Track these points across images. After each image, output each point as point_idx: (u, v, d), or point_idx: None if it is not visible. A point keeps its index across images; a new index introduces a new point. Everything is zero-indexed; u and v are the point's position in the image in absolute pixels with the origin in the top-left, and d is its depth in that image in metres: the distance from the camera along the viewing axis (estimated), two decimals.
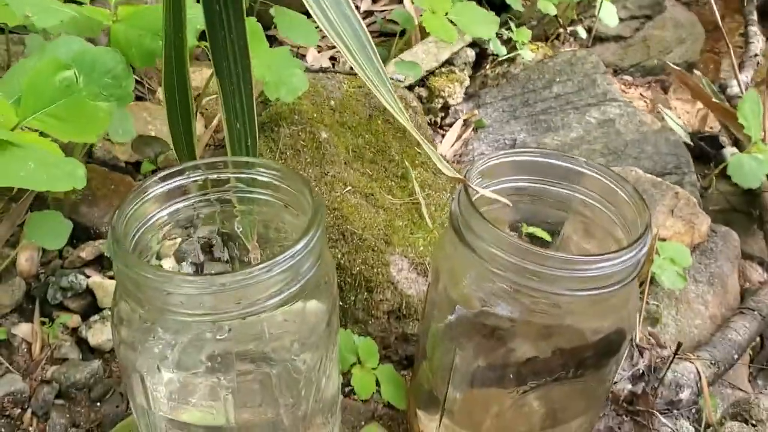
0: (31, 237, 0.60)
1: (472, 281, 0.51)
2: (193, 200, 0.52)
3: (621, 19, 1.48)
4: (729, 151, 1.09)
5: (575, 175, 0.55)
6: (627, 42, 1.54)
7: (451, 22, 0.93)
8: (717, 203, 1.07)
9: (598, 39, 1.47)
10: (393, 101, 0.52)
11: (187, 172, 0.50)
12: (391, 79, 0.89)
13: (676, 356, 0.69)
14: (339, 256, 0.68)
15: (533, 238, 0.61)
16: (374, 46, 0.52)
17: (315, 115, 0.80)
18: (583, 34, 1.47)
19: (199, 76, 1.06)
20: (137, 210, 0.48)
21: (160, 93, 1.04)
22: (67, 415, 0.63)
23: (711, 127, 1.29)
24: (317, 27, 0.88)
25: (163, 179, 0.49)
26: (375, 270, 0.67)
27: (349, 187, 0.74)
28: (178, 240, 0.55)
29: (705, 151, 1.12)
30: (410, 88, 1.03)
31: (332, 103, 0.83)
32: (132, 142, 0.76)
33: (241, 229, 0.56)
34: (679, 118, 1.32)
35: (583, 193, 0.55)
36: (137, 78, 1.07)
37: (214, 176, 0.51)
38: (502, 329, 0.52)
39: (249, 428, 0.49)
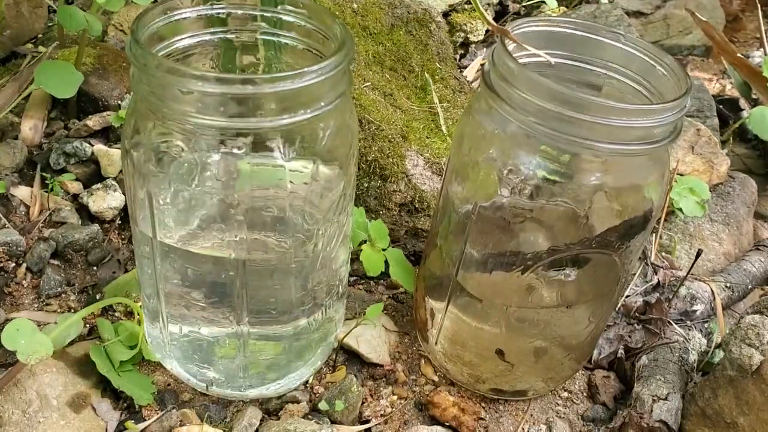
0: (40, 83, 0.58)
1: (503, 144, 0.49)
2: (214, 35, 0.49)
3: None
4: (748, 112, 1.08)
5: (611, 50, 0.53)
6: (647, 18, 1.53)
7: None
8: (732, 164, 1.05)
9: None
10: None
11: (210, 2, 0.48)
12: None
13: (690, 275, 0.68)
14: None
15: None
16: None
17: (336, 13, 0.77)
18: (605, 0, 1.46)
19: None
20: (159, 29, 0.46)
21: None
22: (62, 274, 0.60)
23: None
24: None
25: (178, 6, 0.47)
26: (390, 160, 0.65)
27: (369, 84, 0.72)
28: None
29: (723, 114, 1.11)
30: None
31: (354, 6, 0.80)
32: None
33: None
34: None
35: (619, 72, 0.53)
36: None
37: (238, 12, 0.49)
38: (522, 212, 0.50)
39: (256, 270, 0.47)
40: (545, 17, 0.52)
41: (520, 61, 0.52)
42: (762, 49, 1.19)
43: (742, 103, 1.12)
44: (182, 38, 0.48)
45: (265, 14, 0.50)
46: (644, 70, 0.52)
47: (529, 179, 0.49)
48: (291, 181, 0.45)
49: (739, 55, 1.04)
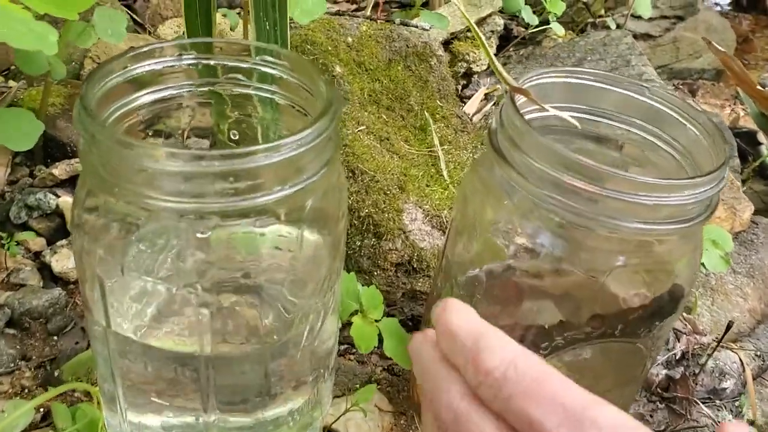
0: None
1: (510, 214, 0.43)
2: (184, 90, 0.43)
3: (651, 18, 1.41)
4: (766, 147, 1.02)
5: (635, 104, 0.47)
6: (656, 41, 1.47)
7: None
8: (751, 202, 0.99)
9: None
10: None
11: (178, 52, 0.42)
12: (415, 27, 0.81)
13: (718, 344, 0.61)
14: (347, 194, 0.59)
15: None
16: None
17: (330, 48, 0.72)
18: (612, 25, 1.40)
19: None
20: (113, 85, 0.40)
21: (161, 29, 0.96)
22: (17, 346, 0.54)
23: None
24: None
25: (141, 57, 0.41)
26: (386, 215, 0.59)
27: (363, 127, 0.66)
28: (161, 142, 0.47)
29: (741, 149, 1.05)
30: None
31: (349, 40, 0.74)
32: None
33: (236, 137, 0.47)
34: None
35: (644, 129, 0.47)
36: (138, 20, 0.99)
37: (210, 62, 0.43)
38: (535, 278, 0.44)
39: (226, 364, 0.40)
40: (562, 68, 0.46)
41: (532, 115, 0.47)
42: None
43: (760, 136, 1.06)
44: (145, 93, 0.42)
45: (242, 65, 0.43)
46: (673, 128, 0.46)
47: (539, 254, 0.43)
48: (271, 251, 0.39)
49: (758, 87, 0.98)
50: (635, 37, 1.42)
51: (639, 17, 1.37)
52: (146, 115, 0.43)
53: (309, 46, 0.70)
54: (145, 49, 0.41)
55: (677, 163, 0.46)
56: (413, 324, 0.61)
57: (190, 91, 0.44)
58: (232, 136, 0.47)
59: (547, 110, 0.44)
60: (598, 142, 0.49)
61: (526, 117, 0.44)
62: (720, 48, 1.04)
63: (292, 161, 0.35)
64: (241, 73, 0.43)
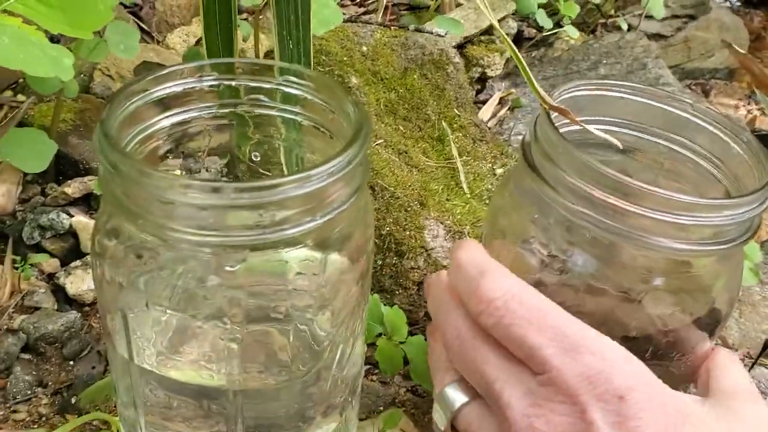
0: (8, 155, 0.50)
1: (543, 230, 0.41)
2: (204, 111, 0.42)
3: (662, 18, 1.40)
4: None
5: (676, 120, 0.45)
6: (667, 41, 1.45)
7: None
8: None
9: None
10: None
11: (198, 74, 0.41)
12: (430, 33, 0.80)
13: (754, 363, 0.60)
14: None
15: None
16: None
17: (345, 58, 0.70)
18: (624, 26, 1.39)
19: None
20: (135, 111, 0.38)
21: (169, 38, 0.94)
22: (33, 373, 0.53)
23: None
24: None
25: (162, 79, 0.39)
26: (407, 233, 0.58)
27: (381, 141, 0.65)
28: (179, 163, 0.45)
29: None
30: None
31: (364, 49, 0.73)
32: (134, 69, 0.66)
33: (258, 159, 0.46)
34: None
35: (685, 146, 0.45)
36: (145, 28, 0.98)
37: (232, 83, 0.42)
38: (566, 296, 0.43)
39: (253, 396, 0.39)
40: (596, 81, 0.45)
41: (566, 129, 0.45)
42: None
43: None
44: (166, 116, 0.40)
45: (264, 86, 0.42)
46: (715, 146, 0.44)
47: (571, 271, 0.41)
48: (298, 278, 0.37)
49: None
50: (648, 37, 1.41)
51: (650, 17, 1.35)
52: (166, 138, 0.42)
53: (324, 57, 0.68)
54: (165, 71, 0.39)
55: (717, 181, 0.44)
56: None
57: (211, 112, 0.42)
58: (253, 158, 0.46)
59: (587, 129, 0.42)
60: (636, 157, 0.47)
61: (560, 129, 0.42)
62: (740, 50, 1.02)
63: (323, 191, 0.34)
64: (264, 93, 0.42)
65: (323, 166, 0.33)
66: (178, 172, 0.45)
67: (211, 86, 0.41)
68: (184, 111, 0.41)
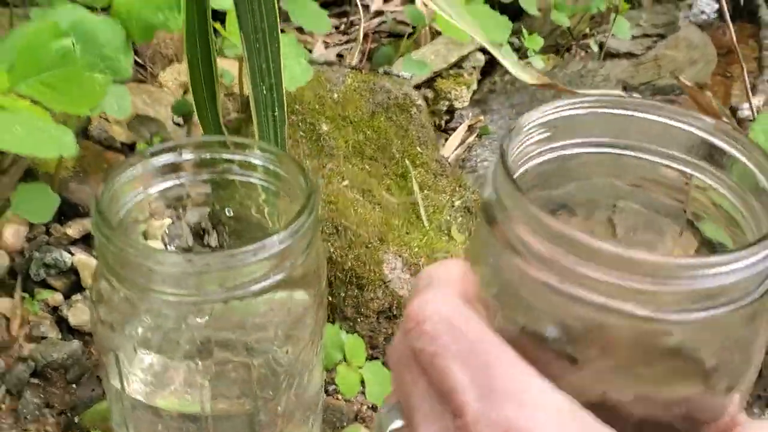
0: (17, 209, 0.59)
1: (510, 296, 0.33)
2: (184, 179, 0.50)
3: (633, 37, 1.47)
4: None
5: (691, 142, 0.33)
6: (638, 60, 1.53)
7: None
8: None
9: (609, 55, 1.46)
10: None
11: (179, 149, 0.49)
12: (397, 76, 0.88)
13: None
14: (331, 250, 0.66)
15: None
16: None
17: (317, 106, 0.78)
18: (594, 47, 1.46)
19: None
20: (125, 185, 0.46)
21: (162, 76, 1.02)
22: (41, 395, 0.61)
23: None
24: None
25: (154, 154, 0.48)
26: (367, 267, 0.66)
27: (347, 182, 0.73)
28: (167, 221, 0.53)
29: None
30: (417, 87, 1.02)
31: (335, 96, 0.81)
32: (129, 121, 0.74)
33: (231, 214, 0.54)
34: None
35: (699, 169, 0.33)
36: (139, 61, 1.05)
37: (207, 156, 0.50)
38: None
39: (224, 419, 0.47)
40: (592, 95, 0.34)
41: (566, 151, 0.32)
42: (748, 103, 1.19)
43: None
44: (151, 186, 0.49)
45: (236, 157, 0.50)
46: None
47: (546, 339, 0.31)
48: (262, 314, 0.45)
49: (724, 119, 1.04)
50: (618, 55, 1.49)
51: (614, 35, 1.42)
52: (152, 200, 0.50)
53: (297, 106, 0.76)
54: (150, 150, 0.47)
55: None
56: None
57: (190, 180, 0.50)
58: (227, 213, 0.54)
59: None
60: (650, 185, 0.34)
61: (562, 152, 0.33)
62: (686, 82, 1.10)
63: (280, 254, 0.42)
64: (235, 164, 0.50)
65: (278, 235, 0.41)
66: (165, 222, 0.54)
67: (189, 159, 0.49)
68: (167, 181, 0.49)
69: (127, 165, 0.46)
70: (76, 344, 0.63)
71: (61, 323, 0.65)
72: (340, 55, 1.21)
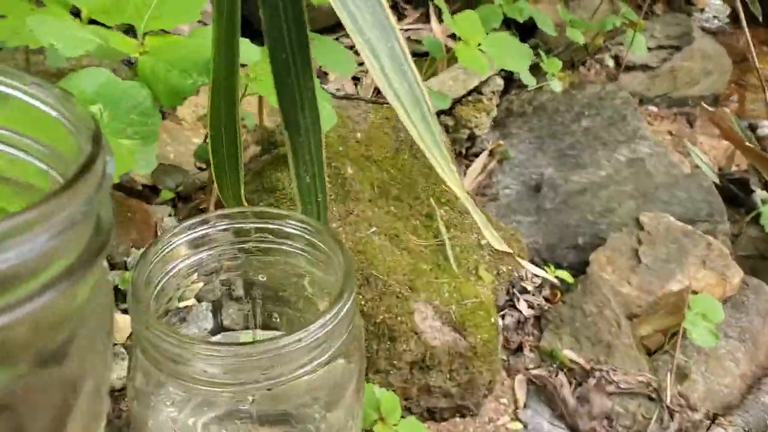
0: None
1: None
2: (218, 250, 0.49)
3: (649, 49, 1.46)
4: (759, 195, 1.06)
5: None
6: (654, 72, 1.52)
7: (483, 52, 0.90)
8: (746, 249, 1.04)
9: (625, 68, 1.45)
10: (446, 165, 0.50)
11: (212, 221, 0.48)
12: None
13: (707, 416, 0.67)
14: (362, 302, 0.65)
15: None
16: (431, 109, 0.50)
17: (341, 148, 0.77)
18: (610, 62, 1.45)
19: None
20: (159, 261, 0.46)
21: (179, 110, 1.01)
22: None
23: (738, 165, 1.26)
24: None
25: (189, 228, 0.47)
26: (399, 318, 0.65)
27: (374, 228, 0.72)
28: (201, 284, 0.53)
29: (734, 194, 1.09)
30: (437, 114, 1.00)
31: (358, 135, 0.80)
32: (152, 174, 0.74)
33: (264, 279, 0.53)
34: (706, 154, 1.30)
35: None
36: None
37: (240, 226, 0.49)
38: None
39: None
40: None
41: None
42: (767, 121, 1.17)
43: (753, 183, 1.11)
44: (187, 257, 0.48)
45: (269, 227, 0.49)
46: None
47: None
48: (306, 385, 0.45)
49: (747, 143, 1.03)
50: (634, 68, 1.48)
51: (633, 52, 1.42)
52: (188, 270, 0.49)
53: None
54: (181, 225, 0.47)
55: None
56: (430, 414, 0.66)
57: (224, 248, 0.49)
58: (260, 278, 0.53)
59: (526, 267, 0.48)
60: None
61: None
62: (708, 107, 1.08)
63: (323, 336, 0.41)
64: (270, 233, 0.49)
65: (321, 319, 0.40)
66: (201, 284, 0.53)
67: (222, 230, 0.49)
68: (202, 251, 0.48)
69: (162, 244, 0.45)
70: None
71: None
72: (356, 78, 1.20)
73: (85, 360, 0.24)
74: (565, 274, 0.81)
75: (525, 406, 0.70)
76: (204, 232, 0.48)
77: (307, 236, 0.48)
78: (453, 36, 1.02)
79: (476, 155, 1.10)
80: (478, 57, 0.88)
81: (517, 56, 0.91)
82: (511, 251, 0.49)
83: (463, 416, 0.68)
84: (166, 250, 0.46)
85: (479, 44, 0.90)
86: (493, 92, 1.13)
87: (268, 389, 0.40)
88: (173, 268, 0.47)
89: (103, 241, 0.25)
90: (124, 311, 0.67)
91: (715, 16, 1.98)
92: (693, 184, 0.93)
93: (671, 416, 0.67)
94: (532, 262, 0.87)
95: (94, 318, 0.25)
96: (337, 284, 0.43)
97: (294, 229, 0.48)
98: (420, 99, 0.54)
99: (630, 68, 1.48)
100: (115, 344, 0.66)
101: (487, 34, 0.91)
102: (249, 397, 0.41)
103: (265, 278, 0.53)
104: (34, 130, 0.27)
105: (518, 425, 0.68)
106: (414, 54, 1.30)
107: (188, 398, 0.43)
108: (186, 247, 0.48)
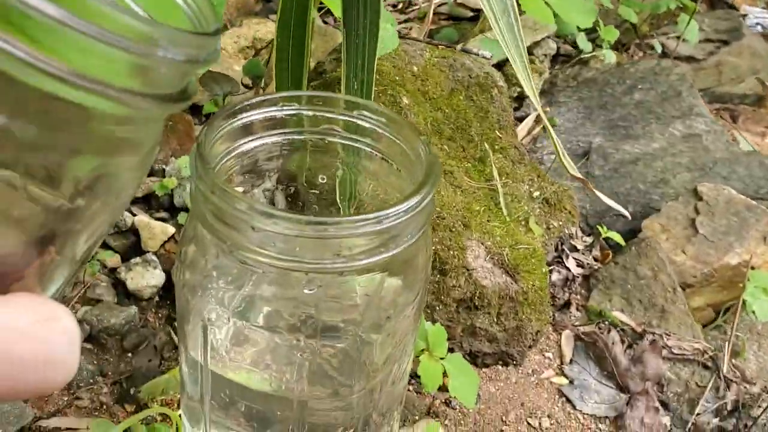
0: None
1: None
2: (284, 136, 0.45)
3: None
4: None
5: None
6: (699, 64, 1.47)
7: (548, 5, 0.86)
8: None
9: (668, 56, 1.41)
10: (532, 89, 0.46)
11: (280, 103, 0.44)
12: (477, 54, 0.82)
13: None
14: None
15: None
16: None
17: (397, 78, 0.73)
18: (658, 48, 1.41)
19: (264, 28, 1.00)
20: (223, 136, 0.41)
21: (221, 40, 0.97)
22: (95, 362, 0.56)
23: None
24: None
25: (253, 107, 0.43)
26: (451, 252, 0.61)
27: None
28: (250, 186, 0.49)
29: None
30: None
31: (414, 69, 0.76)
32: (199, 80, 0.69)
33: (325, 180, 0.49)
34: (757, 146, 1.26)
35: None
36: None
37: (311, 113, 0.45)
38: None
39: (316, 405, 0.42)
40: None
41: None
42: None
43: None
44: (248, 141, 0.44)
45: (340, 117, 0.45)
46: None
47: None
48: (366, 300, 0.41)
49: None
50: (679, 58, 1.43)
51: (684, 39, 1.38)
52: (245, 161, 0.45)
53: (377, 76, 0.71)
54: (253, 101, 0.42)
55: None
56: (472, 359, 0.62)
57: (287, 138, 0.45)
58: (320, 180, 0.49)
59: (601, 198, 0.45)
60: None
61: None
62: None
63: (397, 227, 0.37)
64: (337, 124, 0.45)
65: (399, 206, 0.36)
66: (253, 191, 0.49)
67: (289, 115, 0.44)
68: (265, 136, 0.44)
69: (231, 113, 0.41)
70: (133, 310, 0.58)
71: (118, 286, 0.61)
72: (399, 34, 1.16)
73: None
74: (617, 236, 0.77)
75: (571, 361, 0.65)
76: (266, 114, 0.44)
77: (381, 130, 0.44)
78: None
79: (521, 119, 1.05)
80: (544, 7, 0.84)
81: (582, 11, 0.86)
82: (584, 179, 0.45)
83: (505, 364, 0.64)
84: (234, 122, 0.42)
85: None
86: (545, 55, 1.09)
87: (340, 273, 0.36)
88: (234, 149, 0.43)
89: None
90: (159, 219, 0.63)
91: (757, 23, 1.94)
92: (754, 161, 0.89)
93: (728, 386, 0.63)
94: (580, 227, 0.83)
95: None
96: (420, 174, 0.39)
97: (366, 122, 0.44)
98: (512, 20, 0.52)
99: (676, 58, 1.44)
100: (147, 251, 0.62)
101: None
102: (317, 281, 0.37)
103: (324, 179, 0.49)
104: None
105: (563, 380, 0.64)
106: (458, 18, 1.26)
107: (243, 279, 0.39)
108: (249, 127, 0.43)
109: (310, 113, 0.45)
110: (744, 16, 1.94)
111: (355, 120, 0.45)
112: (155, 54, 0.19)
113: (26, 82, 0.18)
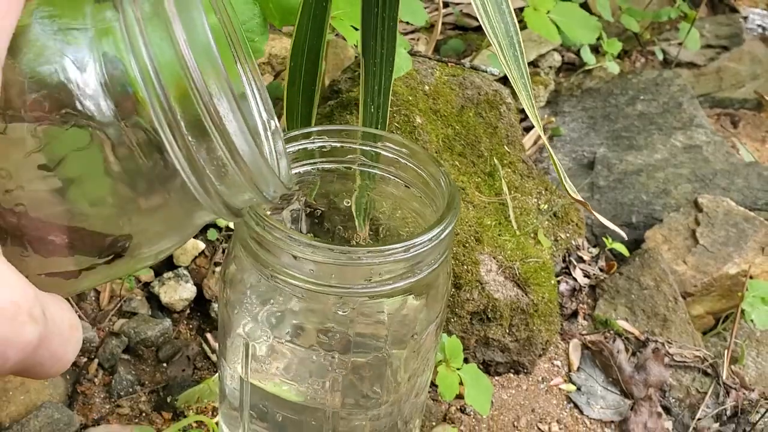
0: None
1: None
2: (313, 167, 0.49)
3: None
4: None
5: None
6: (700, 70, 1.51)
7: (552, 22, 0.89)
8: None
9: (670, 63, 1.44)
10: (532, 108, 0.50)
11: (312, 137, 0.48)
12: (485, 71, 0.86)
13: (764, 399, 0.66)
14: None
15: None
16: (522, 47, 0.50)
17: (410, 98, 0.77)
18: (660, 56, 1.44)
19: (279, 44, 1.03)
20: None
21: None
22: (133, 372, 0.60)
23: None
24: (426, 7, 0.86)
25: (289, 140, 0.46)
26: (465, 267, 0.64)
27: None
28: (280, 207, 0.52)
29: None
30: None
31: (426, 88, 0.79)
32: None
33: (350, 205, 0.53)
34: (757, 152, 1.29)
35: None
36: None
37: (338, 144, 0.49)
38: None
39: (347, 416, 0.46)
40: None
41: None
42: None
43: None
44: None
45: (364, 148, 0.49)
46: None
47: None
48: (395, 319, 0.44)
49: None
50: (680, 65, 1.47)
51: (686, 47, 1.41)
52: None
53: (392, 98, 0.75)
54: (288, 135, 0.46)
55: None
56: (485, 367, 0.66)
57: (317, 167, 0.49)
58: (345, 204, 0.53)
59: (601, 220, 0.48)
60: None
61: None
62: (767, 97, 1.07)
63: (423, 255, 0.40)
64: (365, 155, 0.49)
65: (424, 235, 0.40)
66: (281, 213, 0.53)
67: (319, 147, 0.48)
68: (297, 166, 0.48)
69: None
70: (168, 323, 0.62)
71: (152, 300, 0.65)
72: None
73: None
74: (621, 247, 0.80)
75: (578, 369, 0.69)
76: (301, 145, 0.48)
77: (404, 161, 0.48)
78: (520, 9, 1.01)
79: (528, 130, 1.09)
80: (548, 24, 0.87)
81: (586, 28, 0.90)
82: (585, 201, 0.49)
83: (517, 373, 0.68)
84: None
85: (548, 12, 0.89)
86: (550, 67, 1.13)
87: (371, 297, 0.40)
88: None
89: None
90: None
91: (759, 25, 1.96)
92: (753, 172, 0.93)
93: (727, 392, 0.66)
94: (586, 238, 0.86)
95: None
96: (441, 206, 0.43)
97: (389, 152, 0.48)
98: (514, 40, 0.55)
99: (677, 65, 1.47)
100: (179, 266, 0.66)
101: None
102: (350, 303, 0.41)
103: (349, 203, 0.53)
104: None
105: (571, 387, 0.68)
106: (464, 27, 1.29)
107: (281, 300, 0.43)
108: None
109: (338, 145, 0.49)
110: (745, 18, 1.97)
111: (378, 150, 0.49)
112: (268, 197, 0.29)
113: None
